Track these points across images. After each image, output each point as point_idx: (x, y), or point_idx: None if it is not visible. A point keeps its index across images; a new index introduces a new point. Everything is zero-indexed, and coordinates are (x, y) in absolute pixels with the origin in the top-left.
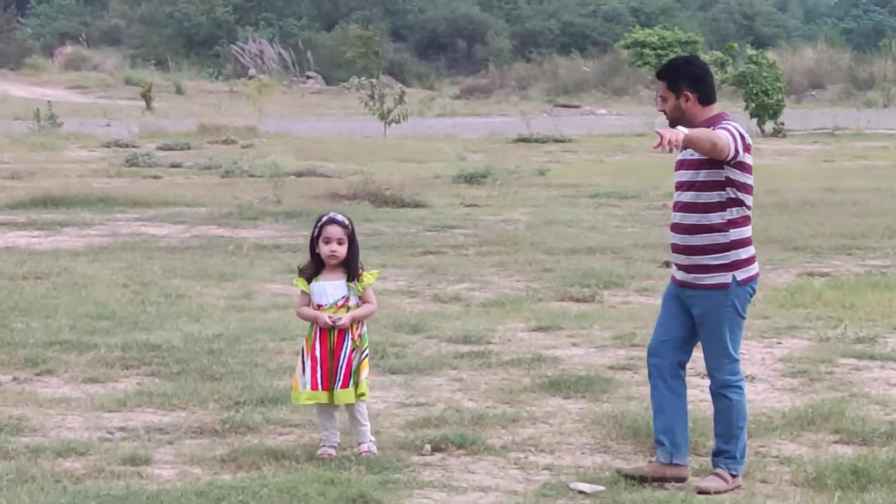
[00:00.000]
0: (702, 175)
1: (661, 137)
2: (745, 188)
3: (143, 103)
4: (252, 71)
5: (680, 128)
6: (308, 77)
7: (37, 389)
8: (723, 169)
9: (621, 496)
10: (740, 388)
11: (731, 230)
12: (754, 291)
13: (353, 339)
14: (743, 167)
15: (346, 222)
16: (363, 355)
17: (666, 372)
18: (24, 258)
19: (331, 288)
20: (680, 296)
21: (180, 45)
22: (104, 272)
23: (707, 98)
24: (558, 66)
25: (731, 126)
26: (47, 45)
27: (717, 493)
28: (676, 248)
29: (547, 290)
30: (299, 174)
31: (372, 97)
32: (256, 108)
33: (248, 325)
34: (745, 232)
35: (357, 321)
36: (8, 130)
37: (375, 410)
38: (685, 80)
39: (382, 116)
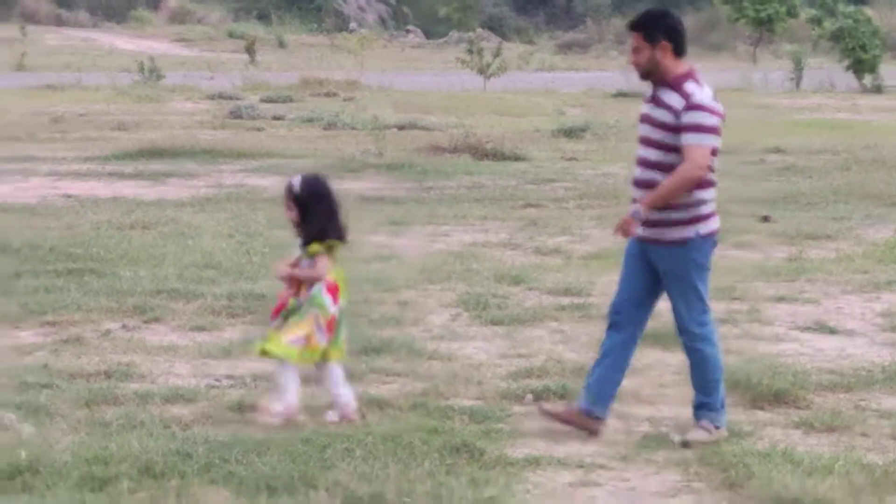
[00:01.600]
0: (668, 138)
1: (616, 229)
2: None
3: (246, 56)
4: (353, 25)
5: (636, 209)
6: (408, 31)
7: (145, 337)
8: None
9: (720, 448)
10: (710, 339)
11: (695, 190)
12: (716, 244)
13: (294, 297)
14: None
15: (295, 187)
16: (299, 317)
17: (624, 328)
18: (131, 208)
19: (296, 249)
20: (644, 252)
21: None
22: (209, 222)
23: (680, 49)
24: None
25: (701, 119)
26: None
27: (701, 444)
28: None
29: None
30: (400, 127)
31: (471, 51)
32: (357, 61)
33: (351, 276)
34: (709, 193)
35: (296, 281)
36: (114, 83)
37: (477, 361)
38: (663, 31)
39: (481, 70)
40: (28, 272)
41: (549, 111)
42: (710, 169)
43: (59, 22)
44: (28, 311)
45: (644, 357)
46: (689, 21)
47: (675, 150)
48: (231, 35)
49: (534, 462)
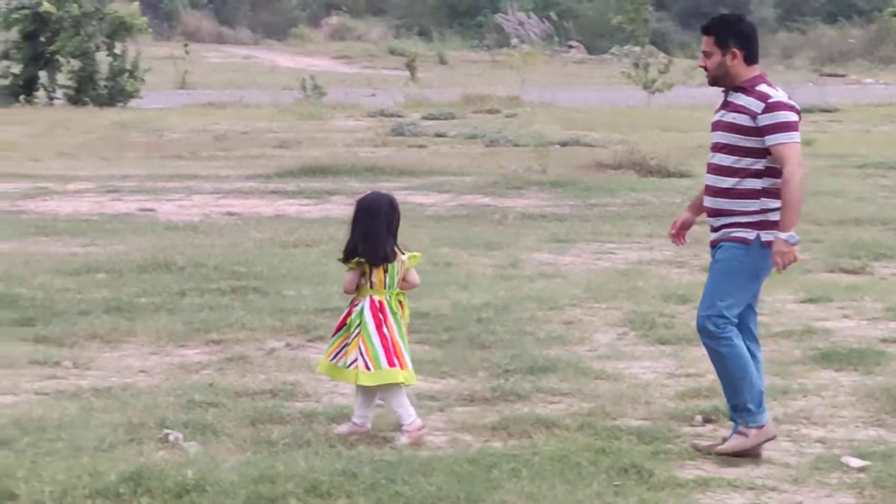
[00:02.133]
0: (742, 140)
1: (779, 266)
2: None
3: (406, 73)
4: (515, 41)
5: (778, 236)
6: (570, 46)
7: (309, 356)
8: (763, 138)
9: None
10: (728, 339)
11: (762, 197)
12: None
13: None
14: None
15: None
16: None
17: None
18: (294, 226)
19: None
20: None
21: (443, 16)
22: None
23: (752, 57)
24: (823, 35)
25: (785, 118)
26: (313, 15)
27: (737, 454)
28: (710, 211)
29: (815, 262)
30: (563, 143)
31: (637, 66)
32: (519, 77)
33: (516, 294)
34: (775, 202)
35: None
36: (276, 100)
37: (645, 380)
38: (735, 37)
39: (646, 86)
40: (192, 290)
41: None
42: (777, 175)
43: (221, 39)
44: (193, 329)
45: (816, 377)
46: (859, 34)
47: (750, 153)
48: (392, 52)
49: (703, 484)
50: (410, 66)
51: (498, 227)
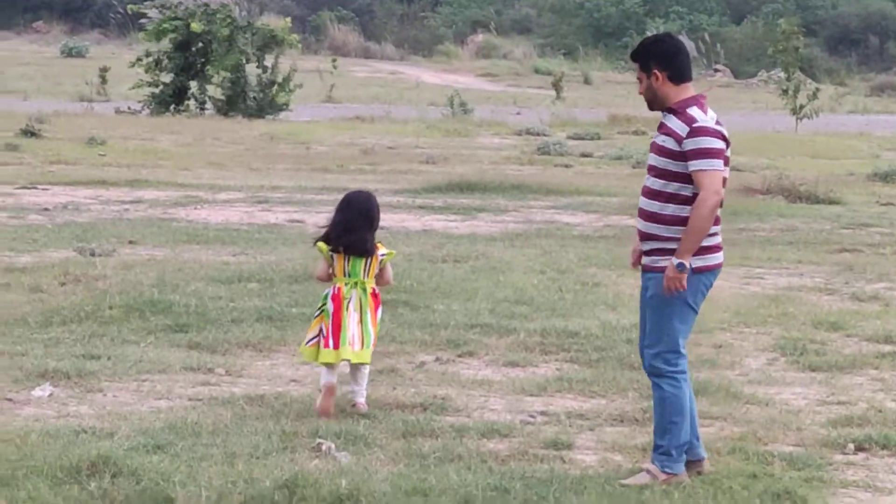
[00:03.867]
0: (669, 164)
1: (666, 292)
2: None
3: (551, 92)
4: None
5: (672, 261)
6: (716, 70)
7: (459, 370)
8: (687, 163)
9: None
10: (675, 379)
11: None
12: (710, 284)
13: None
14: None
15: None
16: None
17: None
18: (442, 241)
19: None
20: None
21: (589, 36)
22: (520, 258)
23: (679, 76)
24: None
25: (708, 143)
26: (459, 33)
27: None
28: (640, 234)
29: None
30: None
31: (786, 91)
32: None
33: None
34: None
35: None
36: (423, 116)
37: (796, 406)
38: (654, 59)
39: (794, 111)
40: None
41: (863, 154)
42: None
43: (367, 55)
44: None
45: None
46: None
47: (677, 178)
48: (536, 71)
49: None
50: (557, 86)
51: None
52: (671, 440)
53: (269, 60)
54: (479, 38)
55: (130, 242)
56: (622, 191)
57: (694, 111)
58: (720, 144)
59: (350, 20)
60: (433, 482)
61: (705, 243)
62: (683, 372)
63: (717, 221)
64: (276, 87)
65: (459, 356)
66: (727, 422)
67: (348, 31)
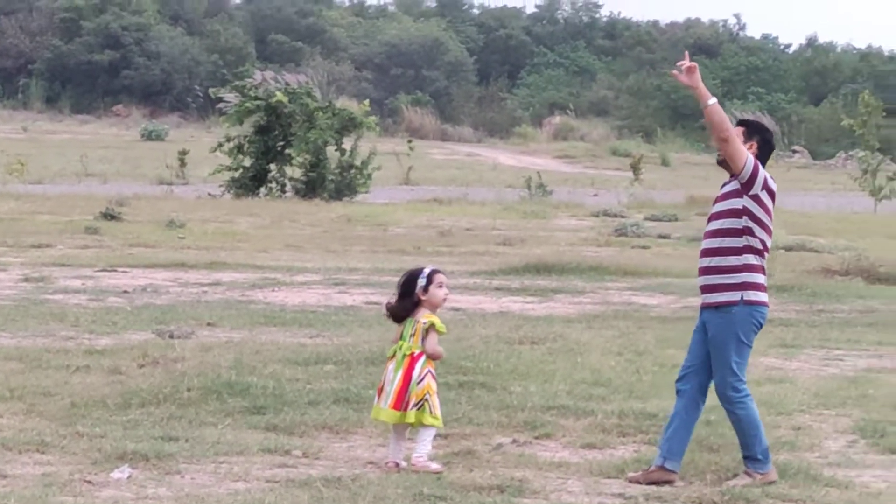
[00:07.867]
0: (727, 204)
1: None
2: (760, 222)
3: (628, 174)
4: None
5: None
6: (794, 151)
7: (536, 452)
8: (741, 198)
9: None
10: (744, 403)
11: (744, 253)
12: (760, 324)
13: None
14: (759, 202)
15: None
16: None
17: (686, 394)
18: (519, 323)
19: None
20: (703, 321)
21: (666, 117)
22: (597, 339)
23: (762, 159)
24: None
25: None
26: (536, 115)
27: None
28: (699, 271)
29: None
30: (789, 248)
31: (865, 172)
32: None
33: None
34: (757, 259)
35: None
36: (500, 198)
37: (876, 489)
38: (758, 134)
39: (873, 192)
40: None
41: None
42: (764, 246)
43: (444, 137)
44: None
45: None
46: None
47: (730, 214)
48: (614, 152)
49: None
50: (635, 167)
51: None
52: (756, 448)
53: (347, 143)
54: (557, 119)
55: (209, 324)
56: None
57: None
58: (772, 184)
59: (427, 103)
60: None
61: (755, 281)
62: (748, 395)
63: (761, 254)
64: (354, 170)
65: (536, 438)
66: None
67: (425, 114)
